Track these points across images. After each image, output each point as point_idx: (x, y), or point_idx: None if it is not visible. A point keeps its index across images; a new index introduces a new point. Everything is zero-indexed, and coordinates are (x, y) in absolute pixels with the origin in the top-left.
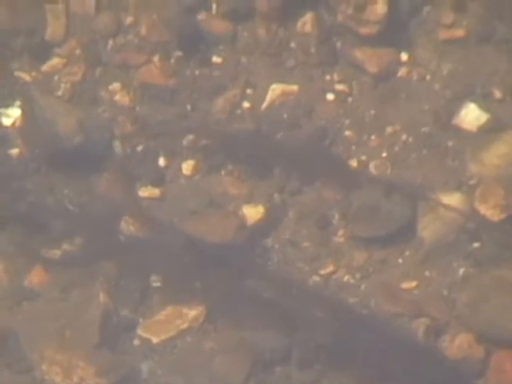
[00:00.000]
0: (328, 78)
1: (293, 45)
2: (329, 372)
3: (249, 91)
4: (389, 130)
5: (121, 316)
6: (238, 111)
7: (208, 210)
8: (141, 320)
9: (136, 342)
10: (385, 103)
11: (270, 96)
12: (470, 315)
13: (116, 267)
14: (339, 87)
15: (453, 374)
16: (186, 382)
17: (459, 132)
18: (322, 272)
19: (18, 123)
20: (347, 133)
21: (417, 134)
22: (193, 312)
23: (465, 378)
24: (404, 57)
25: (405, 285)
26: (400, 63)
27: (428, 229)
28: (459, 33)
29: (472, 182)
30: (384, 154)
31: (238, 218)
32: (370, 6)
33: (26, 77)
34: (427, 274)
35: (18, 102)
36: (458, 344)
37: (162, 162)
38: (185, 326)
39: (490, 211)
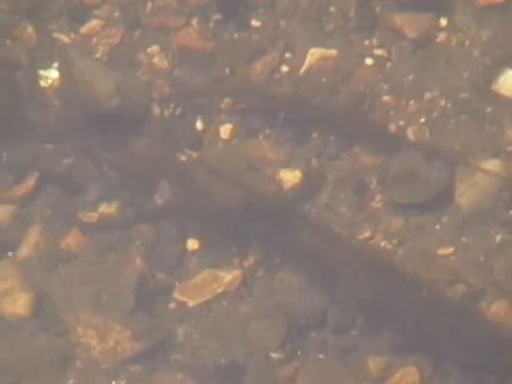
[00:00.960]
0: (367, 42)
1: (332, 9)
2: (365, 337)
3: (287, 55)
4: (427, 95)
5: (157, 279)
6: (277, 75)
7: (246, 174)
8: (177, 283)
9: (172, 305)
10: (423, 69)
11: (308, 60)
12: (506, 282)
13: (153, 231)
14: (378, 52)
15: (489, 340)
16: (222, 346)
17: (498, 98)
18: (359, 237)
19: (56, 85)
20: (385, 98)
21: (455, 100)
22: (229, 276)
23: (501, 345)
24: (443, 22)
25: (442, 251)
26: (439, 29)
27: (465, 195)
28: None
29: (510, 148)
30: (422, 120)
31: (276, 182)
32: None
33: (65, 39)
34: (464, 240)
35: (56, 64)
36: (494, 311)
37: (199, 125)
38: (221, 289)
39: None
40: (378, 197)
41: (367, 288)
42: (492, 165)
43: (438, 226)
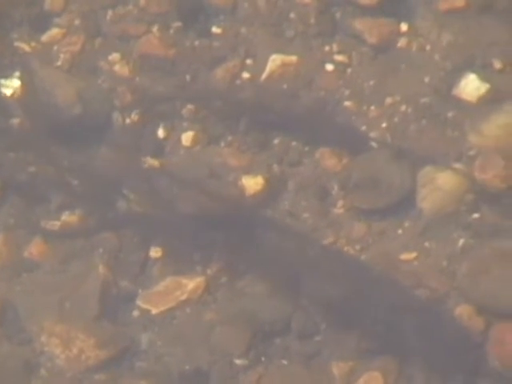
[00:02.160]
0: (327, 48)
1: (292, 15)
2: (329, 343)
3: (249, 62)
4: (388, 100)
5: (120, 287)
6: (238, 82)
7: (208, 180)
8: (140, 291)
9: (135, 313)
10: (384, 74)
11: (269, 66)
12: (469, 287)
13: (115, 238)
14: (339, 58)
15: (453, 344)
16: (186, 353)
17: (459, 103)
18: (322, 243)
19: (17, 94)
20: (347, 103)
21: (416, 105)
22: (192, 283)
23: (464, 351)
24: (404, 27)
25: (404, 256)
26: (400, 34)
27: (427, 200)
28: (459, 3)
29: (472, 152)
30: (384, 125)
31: (238, 188)
32: None
33: (26, 47)
34: (427, 245)
35: (17, 73)
36: (457, 315)
37: (161, 133)
38: (184, 297)
39: (489, 182)
40: (340, 202)
41: (330, 293)
42: (453, 169)
43: (400, 231)
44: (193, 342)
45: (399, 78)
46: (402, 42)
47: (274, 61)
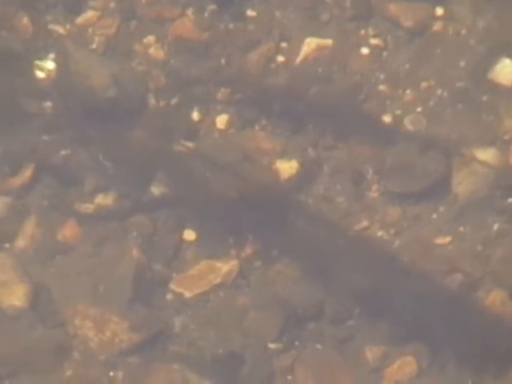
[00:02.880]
0: (363, 32)
1: None
2: (362, 328)
3: (283, 45)
4: (424, 84)
5: (154, 271)
6: (273, 65)
7: (242, 164)
8: (174, 274)
9: (169, 296)
10: (420, 58)
11: (304, 50)
12: (503, 271)
13: (149, 222)
14: (374, 41)
15: (486, 329)
16: (219, 337)
17: (494, 87)
18: (356, 227)
19: (52, 76)
20: (382, 87)
21: (452, 89)
22: (226, 267)
23: (497, 335)
24: (439, 11)
25: (439, 240)
26: (435, 18)
27: (462, 184)
28: None
29: (506, 136)
30: (419, 109)
31: (272, 172)
32: None
33: (60, 30)
34: (461, 229)
35: (52, 55)
36: (491, 300)
37: (195, 115)
38: (218, 280)
39: None
40: (375, 187)
41: (364, 278)
42: (489, 153)
43: (435, 216)
44: (226, 326)
45: (434, 62)
46: (437, 26)
47: (309, 44)
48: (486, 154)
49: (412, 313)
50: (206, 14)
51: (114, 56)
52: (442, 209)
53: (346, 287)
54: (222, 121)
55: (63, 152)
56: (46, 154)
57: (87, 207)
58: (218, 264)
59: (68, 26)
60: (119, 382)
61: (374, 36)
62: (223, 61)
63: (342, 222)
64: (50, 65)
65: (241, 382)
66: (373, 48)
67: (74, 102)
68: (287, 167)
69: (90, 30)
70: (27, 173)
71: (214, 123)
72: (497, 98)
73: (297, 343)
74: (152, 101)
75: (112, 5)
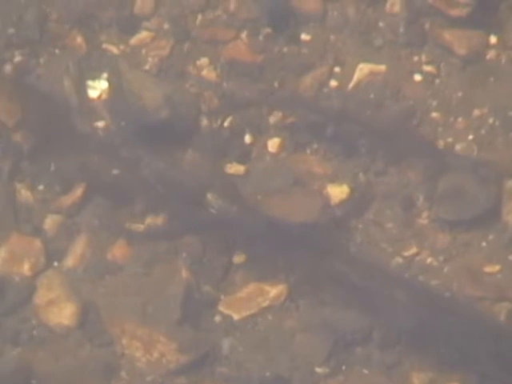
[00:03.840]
0: (416, 58)
1: (381, 24)
2: (410, 353)
3: (336, 70)
4: (476, 112)
5: (203, 292)
6: (326, 89)
7: (293, 188)
8: (222, 296)
9: (217, 318)
10: (472, 86)
11: (357, 75)
12: None
13: (199, 243)
14: (427, 68)
15: None
16: (267, 360)
17: None
18: (405, 253)
19: (104, 96)
20: (434, 114)
21: (504, 118)
22: (274, 290)
23: None
24: (493, 39)
25: (488, 268)
26: (489, 46)
27: None
28: None
29: None
30: (470, 137)
31: (323, 197)
32: None
33: (114, 49)
34: (511, 258)
35: (105, 75)
36: None
37: (247, 138)
38: (266, 303)
39: None
40: (425, 213)
41: (407, 314)
42: None
43: (484, 244)
44: (274, 349)
45: (487, 90)
46: (491, 54)
47: (362, 69)
48: None
49: (459, 340)
50: (261, 37)
51: (166, 77)
52: (491, 237)
53: (395, 312)
54: (273, 144)
55: (115, 172)
56: (97, 174)
57: (137, 227)
58: (267, 287)
59: (122, 46)
60: None
61: (427, 63)
62: (276, 84)
63: (392, 248)
64: (103, 84)
65: None
66: (426, 75)
67: (127, 122)
68: (338, 192)
69: (144, 51)
70: (78, 192)
71: (265, 146)
72: None
73: (344, 368)
74: (204, 122)
75: (166, 26)
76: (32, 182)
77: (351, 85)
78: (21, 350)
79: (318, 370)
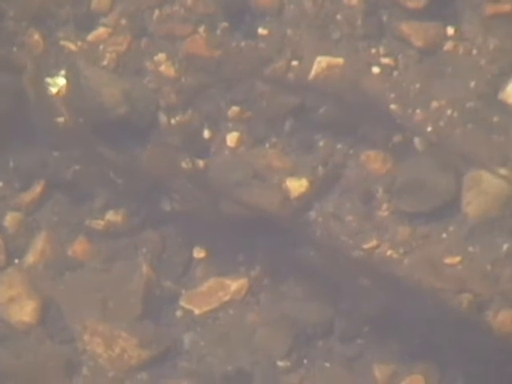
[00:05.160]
0: (374, 51)
1: (339, 17)
2: (371, 346)
3: (294, 63)
4: (434, 104)
5: (163, 287)
6: (284, 83)
7: (252, 182)
8: (183, 291)
9: (178, 313)
10: (430, 77)
11: (315, 68)
12: None
13: (159, 238)
14: (385, 60)
15: (495, 350)
16: (228, 354)
17: (505, 107)
18: (366, 246)
19: (62, 92)
20: (392, 106)
21: (462, 109)
22: (235, 284)
23: (507, 355)
24: (450, 31)
25: (448, 260)
26: (446, 37)
27: (472, 204)
28: (506, 8)
29: None
30: (429, 129)
31: (282, 190)
32: None
33: (72, 46)
34: (471, 249)
35: (63, 72)
36: (500, 320)
37: (206, 133)
38: (227, 298)
39: None
40: (385, 206)
41: (368, 306)
42: (499, 173)
43: (444, 235)
44: (235, 343)
45: (445, 82)
46: (448, 46)
47: (320, 63)
48: (496, 175)
49: (421, 332)
50: (218, 32)
51: (124, 73)
52: (451, 228)
53: (355, 305)
54: (232, 139)
55: (74, 168)
56: (56, 170)
57: (97, 223)
58: (228, 281)
59: (79, 43)
60: None
61: (385, 55)
62: (234, 79)
63: (352, 240)
64: (60, 81)
65: None
66: (384, 67)
67: (85, 119)
68: (297, 185)
69: (101, 47)
70: (38, 188)
71: (224, 141)
72: (508, 118)
73: (305, 361)
74: (163, 118)
75: (123, 22)
76: None
77: (309, 78)
78: None
79: (280, 363)
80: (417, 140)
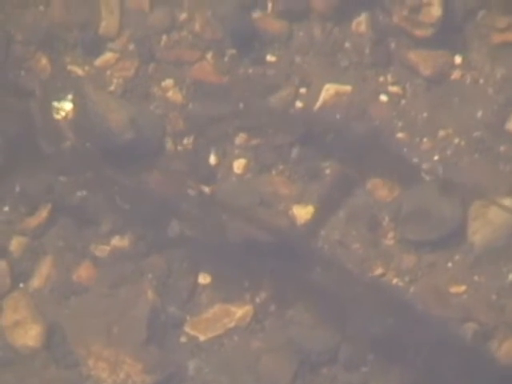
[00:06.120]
0: (382, 79)
1: (347, 45)
2: (376, 374)
3: (302, 91)
4: (441, 133)
5: (168, 313)
6: (291, 110)
7: (258, 209)
8: (188, 317)
9: (183, 339)
10: (438, 106)
11: (323, 96)
12: None
13: (165, 264)
14: (393, 89)
15: (500, 379)
16: (232, 381)
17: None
18: (371, 274)
19: (69, 116)
20: (399, 135)
21: (469, 138)
22: (240, 311)
23: None
24: (458, 60)
25: (454, 289)
26: (454, 66)
27: (478, 233)
28: None
29: None
30: (436, 158)
31: (288, 217)
32: (425, 8)
33: (79, 71)
34: (476, 278)
35: (70, 96)
36: (505, 349)
37: (213, 159)
38: (232, 324)
39: None
40: (391, 234)
41: (378, 325)
42: (505, 203)
43: (450, 264)
44: (240, 370)
45: (452, 111)
46: (455, 75)
47: (328, 90)
48: (503, 204)
49: (425, 360)
50: (226, 58)
51: (131, 98)
52: (457, 257)
53: (360, 333)
54: (239, 165)
55: (80, 193)
56: (62, 195)
57: (103, 249)
58: (233, 308)
59: (86, 68)
60: None
61: (393, 83)
62: (242, 105)
63: (358, 268)
64: (67, 106)
65: None
66: (391, 95)
67: (92, 144)
68: (303, 212)
69: (109, 72)
70: (44, 213)
71: (231, 167)
72: None
73: None
74: (169, 144)
75: (131, 47)
76: None
77: (317, 105)
78: None
79: None
80: (423, 169)
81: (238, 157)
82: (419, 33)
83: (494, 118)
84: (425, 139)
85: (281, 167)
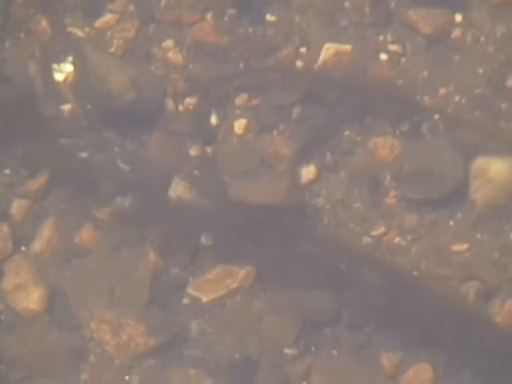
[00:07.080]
0: (381, 38)
1: (347, 4)
2: (378, 334)
3: (302, 50)
4: (442, 91)
5: (171, 275)
6: (291, 70)
7: (259, 169)
8: (191, 279)
9: (185, 300)
10: (438, 65)
11: (323, 55)
12: None
13: (166, 226)
14: (393, 48)
15: (501, 339)
16: (235, 342)
17: None
18: (373, 233)
19: (70, 79)
20: (400, 93)
21: (470, 96)
22: (243, 272)
23: None
24: (458, 18)
25: (456, 247)
26: (454, 24)
27: (480, 191)
28: None
29: None
30: (437, 116)
31: (290, 178)
32: None
33: (79, 32)
34: (478, 236)
35: (70, 58)
36: (508, 308)
37: (213, 120)
38: (234, 285)
39: None
40: (392, 193)
41: (376, 294)
42: (506, 161)
43: (452, 223)
44: (242, 331)
45: (453, 69)
46: (456, 33)
47: (328, 50)
48: (504, 162)
49: (428, 320)
50: (226, 19)
51: (132, 60)
52: (459, 216)
53: (363, 293)
54: (239, 126)
55: (81, 155)
56: (63, 158)
57: (104, 211)
58: (235, 269)
59: (87, 29)
60: None
61: (393, 42)
62: (242, 65)
63: (360, 227)
64: (68, 68)
65: None
66: (391, 54)
67: (92, 106)
68: (305, 172)
69: (109, 34)
70: (45, 176)
71: (231, 128)
72: None
73: (313, 349)
74: (170, 105)
75: (131, 8)
76: None
77: (317, 65)
78: None
79: (287, 351)
80: (424, 127)
81: (239, 117)
82: None
83: (495, 76)
84: (425, 97)
85: (282, 127)
